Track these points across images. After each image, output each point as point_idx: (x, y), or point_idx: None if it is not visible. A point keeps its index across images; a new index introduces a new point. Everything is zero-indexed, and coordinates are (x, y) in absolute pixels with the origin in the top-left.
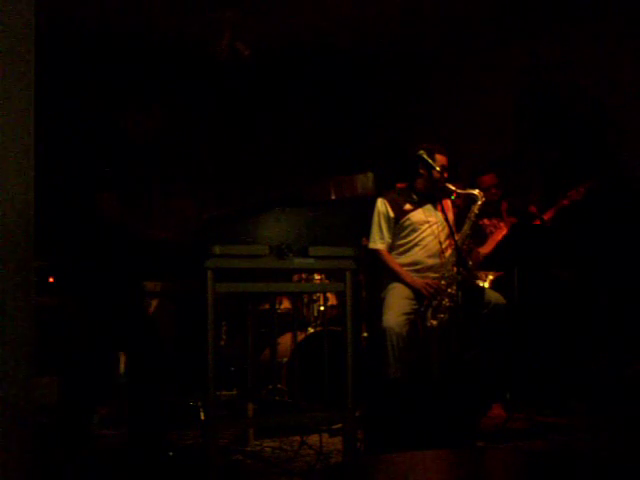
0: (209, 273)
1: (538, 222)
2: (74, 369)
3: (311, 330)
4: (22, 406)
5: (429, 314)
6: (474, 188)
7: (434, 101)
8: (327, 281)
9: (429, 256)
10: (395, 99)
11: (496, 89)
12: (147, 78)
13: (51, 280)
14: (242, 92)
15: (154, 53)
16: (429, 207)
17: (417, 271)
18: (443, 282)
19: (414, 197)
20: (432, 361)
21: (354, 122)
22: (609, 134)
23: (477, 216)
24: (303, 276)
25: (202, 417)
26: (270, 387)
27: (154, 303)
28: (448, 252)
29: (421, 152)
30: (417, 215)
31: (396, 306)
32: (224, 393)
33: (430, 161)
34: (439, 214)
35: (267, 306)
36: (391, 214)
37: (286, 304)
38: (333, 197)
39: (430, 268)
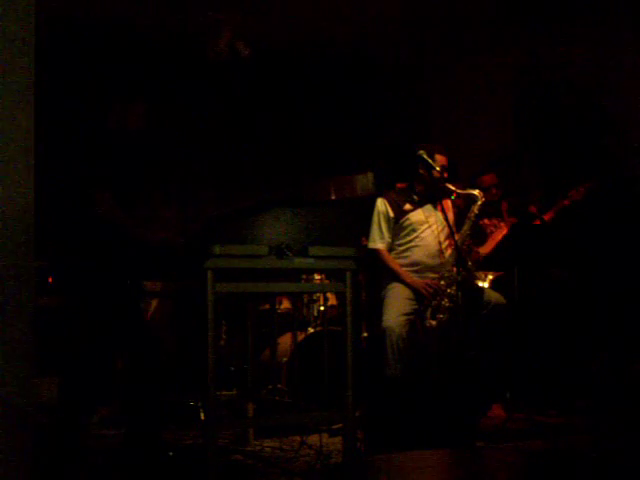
0: (209, 273)
1: (538, 222)
2: (74, 369)
3: (311, 330)
4: (22, 406)
5: (428, 314)
6: (474, 188)
7: (434, 101)
8: (327, 281)
9: (429, 256)
10: (395, 99)
11: (496, 89)
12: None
13: (51, 280)
14: (242, 92)
15: (153, 52)
16: (429, 207)
17: (417, 271)
18: (443, 282)
19: (414, 197)
20: (432, 361)
21: (354, 122)
22: (609, 134)
23: (477, 216)
24: (303, 276)
25: (202, 417)
26: (270, 387)
27: (154, 303)
28: (448, 252)
29: (421, 152)
30: (417, 215)
31: (396, 306)
32: (224, 393)
33: (430, 161)
34: (439, 214)
35: (267, 306)
36: (391, 214)
37: (286, 304)
38: (333, 197)
39: (430, 268)
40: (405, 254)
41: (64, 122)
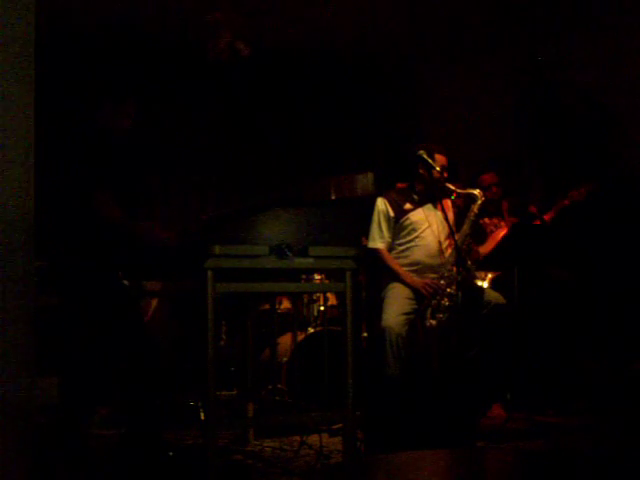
0: (209, 273)
1: (538, 222)
2: (74, 369)
3: (311, 330)
4: (22, 406)
5: (428, 314)
6: (474, 187)
7: (434, 101)
8: (327, 281)
9: (429, 256)
10: (395, 99)
11: (496, 89)
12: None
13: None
14: (242, 92)
15: (153, 53)
16: (429, 207)
17: (417, 271)
18: (443, 282)
19: (414, 197)
20: (432, 361)
21: (354, 122)
22: (609, 134)
23: (477, 215)
24: (303, 276)
25: (202, 417)
26: (270, 387)
27: (154, 303)
28: (448, 252)
29: (421, 152)
30: (417, 215)
31: (395, 306)
32: (224, 393)
33: (430, 161)
34: (439, 214)
35: (267, 306)
36: (391, 213)
37: (286, 304)
38: (333, 197)
39: (430, 268)
40: (405, 254)
41: (58, 122)
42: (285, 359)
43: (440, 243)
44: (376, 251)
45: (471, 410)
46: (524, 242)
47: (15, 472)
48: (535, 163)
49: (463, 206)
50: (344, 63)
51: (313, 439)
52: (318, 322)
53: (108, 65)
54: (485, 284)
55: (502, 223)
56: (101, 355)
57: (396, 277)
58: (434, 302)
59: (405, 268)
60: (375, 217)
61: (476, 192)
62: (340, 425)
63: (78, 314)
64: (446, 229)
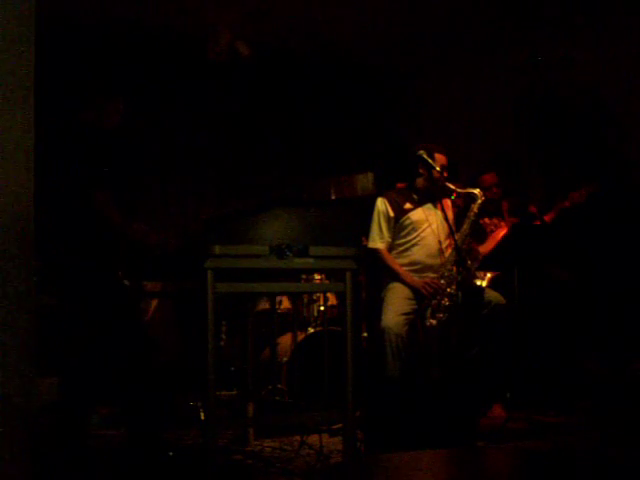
0: (209, 273)
1: (538, 222)
2: (74, 369)
3: (311, 330)
4: (22, 406)
5: (428, 314)
6: (474, 187)
7: (434, 101)
8: (327, 281)
9: (429, 255)
10: (395, 99)
11: (496, 89)
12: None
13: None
14: (242, 92)
15: (153, 53)
16: (429, 206)
17: (417, 271)
18: (443, 281)
19: (414, 196)
20: (432, 361)
21: (354, 122)
22: (609, 134)
23: (477, 215)
24: (303, 276)
25: (202, 417)
26: (270, 387)
27: (154, 303)
28: (448, 252)
29: (421, 152)
30: (417, 214)
31: (395, 306)
32: (224, 393)
33: (430, 161)
34: (439, 213)
35: (267, 306)
36: (391, 213)
37: (286, 304)
38: (333, 197)
39: (430, 268)
40: (405, 253)
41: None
42: (285, 359)
43: (440, 243)
44: (376, 251)
45: (471, 410)
46: (524, 242)
47: (15, 472)
48: (535, 163)
49: (463, 206)
50: (344, 63)
51: (313, 439)
52: (318, 322)
53: (104, 64)
54: (484, 283)
55: (502, 223)
56: (101, 355)
57: (396, 277)
58: (434, 302)
59: (405, 268)
60: (375, 217)
61: (476, 192)
62: (340, 425)
63: (78, 314)
64: (446, 229)
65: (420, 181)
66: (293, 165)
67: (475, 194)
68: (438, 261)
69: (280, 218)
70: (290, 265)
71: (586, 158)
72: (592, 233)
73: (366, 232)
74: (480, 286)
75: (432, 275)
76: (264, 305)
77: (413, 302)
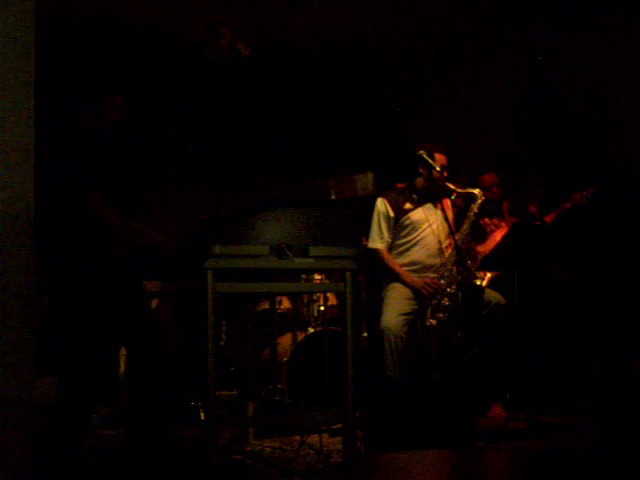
0: (209, 273)
1: (538, 222)
2: (73, 369)
3: (311, 330)
4: (22, 406)
5: (428, 314)
6: (474, 187)
7: (434, 101)
8: (327, 281)
9: (429, 255)
10: (395, 99)
11: (496, 89)
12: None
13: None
14: (242, 92)
15: (154, 53)
16: (429, 206)
17: (416, 270)
18: (442, 281)
19: (414, 196)
20: (432, 361)
21: (354, 122)
22: (609, 134)
23: (477, 215)
24: (303, 276)
25: (202, 417)
26: (270, 387)
27: (154, 303)
28: (448, 252)
29: (421, 152)
30: (417, 214)
31: (394, 306)
32: (224, 393)
33: (430, 161)
34: (439, 213)
35: (267, 306)
36: (391, 214)
37: (286, 304)
38: (333, 197)
39: (430, 268)
40: (405, 253)
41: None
42: (285, 359)
43: (440, 243)
44: (375, 251)
45: (471, 410)
46: (524, 242)
47: (15, 472)
48: (535, 163)
49: (463, 206)
50: (344, 63)
51: (313, 439)
52: (318, 322)
53: (103, 63)
54: (483, 283)
55: (502, 223)
56: (100, 355)
57: (396, 277)
58: (434, 302)
59: (405, 268)
60: (375, 217)
61: (476, 192)
62: (340, 425)
63: (78, 314)
64: (446, 229)
65: (420, 181)
66: (293, 165)
67: (475, 194)
68: (438, 261)
69: (280, 218)
70: (290, 265)
71: (586, 158)
72: (592, 234)
73: (366, 232)
74: (480, 286)
75: (432, 275)
76: (264, 305)
77: (413, 302)
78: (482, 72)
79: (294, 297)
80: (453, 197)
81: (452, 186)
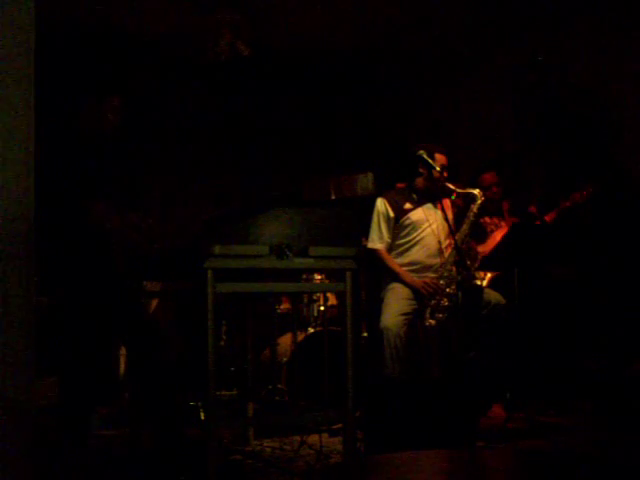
0: (209, 273)
1: (538, 222)
2: (73, 369)
3: (311, 330)
4: (22, 406)
5: (427, 313)
6: (474, 187)
7: (434, 101)
8: (327, 281)
9: (429, 256)
10: (395, 99)
11: (496, 89)
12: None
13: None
14: (242, 92)
15: (154, 53)
16: (429, 206)
17: (416, 270)
18: (442, 282)
19: (414, 196)
20: (432, 361)
21: (354, 122)
22: (609, 133)
23: (476, 215)
24: (303, 276)
25: (202, 417)
26: (270, 387)
27: (154, 303)
28: (447, 252)
29: (421, 152)
30: (417, 214)
31: (394, 306)
32: (224, 393)
33: (430, 161)
34: (439, 213)
35: (267, 306)
36: (391, 214)
37: (286, 304)
38: (333, 197)
39: (429, 267)
40: (405, 253)
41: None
42: (285, 359)
43: (440, 243)
44: (375, 252)
45: (471, 410)
46: (524, 242)
47: (15, 472)
48: (535, 163)
49: (463, 206)
50: (344, 63)
51: (313, 439)
52: (318, 322)
53: (103, 65)
54: (484, 283)
55: (502, 223)
56: (101, 355)
57: (395, 277)
58: (433, 302)
59: (405, 267)
60: (375, 218)
61: (476, 192)
62: (340, 425)
63: (78, 314)
64: (446, 229)
65: (420, 181)
66: (293, 165)
67: (475, 194)
68: (438, 261)
69: (280, 218)
70: (290, 265)
71: (586, 158)
72: (592, 233)
73: (366, 232)
74: (480, 286)
75: (432, 275)
76: (264, 305)
77: (413, 302)
78: (482, 72)
79: (294, 297)
80: (453, 197)
81: (452, 186)
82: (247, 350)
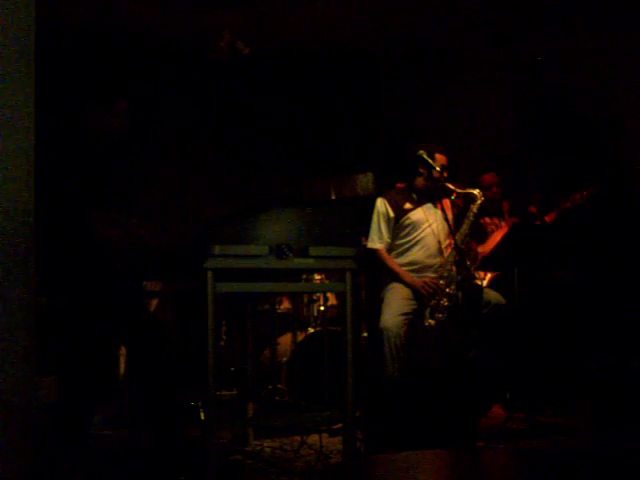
0: (209, 273)
1: (538, 222)
2: (73, 369)
3: (311, 330)
4: (22, 406)
5: (427, 313)
6: (474, 187)
7: (434, 101)
8: (327, 281)
9: (428, 256)
10: (395, 99)
11: (496, 89)
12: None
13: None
14: (242, 91)
15: (154, 53)
16: (429, 206)
17: (416, 270)
18: (442, 282)
19: (414, 196)
20: (432, 361)
21: (354, 122)
22: (609, 133)
23: (476, 215)
24: (303, 276)
25: (202, 417)
26: (270, 387)
27: (154, 303)
28: (447, 252)
29: (421, 152)
30: (417, 214)
31: (394, 306)
32: (224, 393)
33: (430, 161)
34: (439, 213)
35: (267, 306)
36: (391, 214)
37: (286, 304)
38: (333, 197)
39: (429, 267)
40: (405, 253)
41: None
42: (285, 359)
43: (440, 243)
44: (375, 252)
45: (471, 410)
46: (524, 242)
47: (15, 472)
48: (535, 163)
49: (463, 206)
50: (344, 63)
51: (313, 439)
52: (318, 322)
53: (104, 66)
54: (485, 284)
55: (502, 223)
56: (101, 354)
57: (395, 277)
58: (433, 302)
59: (404, 267)
60: (375, 218)
61: (476, 192)
62: (340, 425)
63: (78, 314)
64: (446, 229)
65: (420, 181)
66: (293, 165)
67: (475, 194)
68: (438, 261)
69: (280, 218)
70: (290, 265)
71: (586, 158)
72: (592, 233)
73: (366, 232)
74: (480, 286)
75: (432, 275)
76: (264, 305)
77: (413, 302)
78: (482, 72)
79: (294, 297)
80: (453, 197)
81: (452, 186)
82: (247, 350)
